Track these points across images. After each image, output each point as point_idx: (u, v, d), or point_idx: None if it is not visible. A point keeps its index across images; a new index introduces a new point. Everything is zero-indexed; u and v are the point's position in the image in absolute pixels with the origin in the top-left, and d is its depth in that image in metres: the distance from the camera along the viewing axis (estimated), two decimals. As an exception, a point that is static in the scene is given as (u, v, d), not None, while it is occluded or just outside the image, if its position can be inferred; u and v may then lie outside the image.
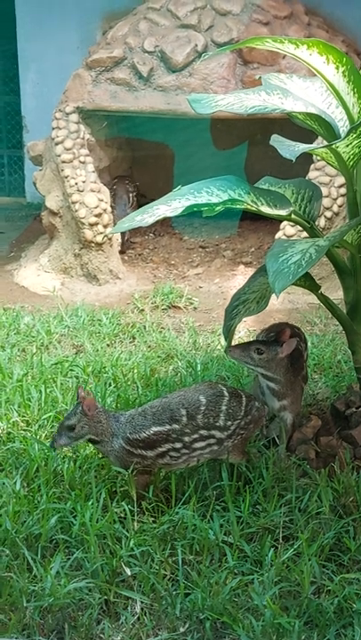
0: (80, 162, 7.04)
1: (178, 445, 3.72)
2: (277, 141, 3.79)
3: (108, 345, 5.82)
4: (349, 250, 3.97)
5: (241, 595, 3.23)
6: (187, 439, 3.72)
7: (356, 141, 3.42)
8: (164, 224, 8.19)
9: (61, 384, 4.90)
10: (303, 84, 4.02)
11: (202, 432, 3.73)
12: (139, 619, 3.18)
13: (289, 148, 3.55)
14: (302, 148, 3.47)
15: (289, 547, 3.45)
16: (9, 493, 3.72)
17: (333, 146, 3.45)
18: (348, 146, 3.46)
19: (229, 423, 3.77)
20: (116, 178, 7.85)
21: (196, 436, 3.73)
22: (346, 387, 4.65)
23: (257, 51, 6.54)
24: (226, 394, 3.82)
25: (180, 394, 3.90)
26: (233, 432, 3.79)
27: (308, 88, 3.98)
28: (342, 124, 3.82)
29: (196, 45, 6.74)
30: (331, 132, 3.71)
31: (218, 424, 3.75)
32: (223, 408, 3.77)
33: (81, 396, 3.73)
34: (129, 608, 3.23)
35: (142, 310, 6.49)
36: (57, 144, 7.07)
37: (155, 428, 3.72)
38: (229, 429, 3.77)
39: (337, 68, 3.52)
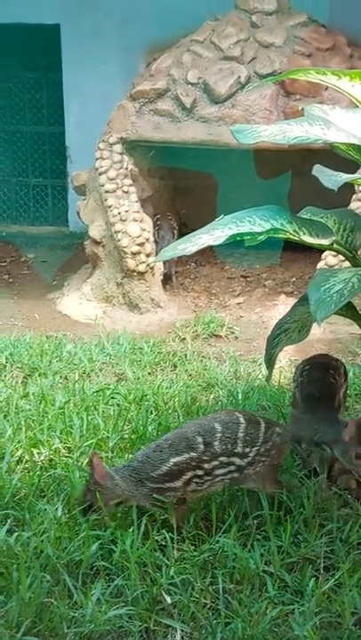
0: (123, 192, 7.13)
1: (200, 472, 3.71)
2: (320, 171, 3.81)
3: (149, 373, 5.85)
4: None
5: (281, 625, 3.20)
6: (207, 466, 3.70)
7: None
8: (206, 253, 8.23)
9: (103, 411, 4.93)
10: (345, 115, 4.03)
11: (221, 459, 3.72)
12: (179, 647, 3.17)
13: (331, 178, 3.57)
14: (345, 177, 3.48)
15: (330, 577, 3.41)
16: (50, 519, 3.73)
17: (376, 176, 3.46)
18: (389, 176, 3.47)
19: (248, 450, 3.75)
20: (159, 214, 7.91)
21: (216, 462, 3.71)
22: (387, 416, 4.62)
23: (299, 82, 6.60)
24: (242, 421, 3.80)
25: (195, 423, 3.91)
26: (253, 459, 3.76)
27: (350, 119, 4.00)
28: (384, 155, 3.84)
29: (239, 77, 6.82)
30: (373, 163, 3.73)
31: (236, 451, 3.74)
32: (240, 435, 3.76)
33: (95, 463, 3.68)
34: (169, 636, 3.21)
35: (183, 339, 6.52)
36: (100, 174, 7.18)
37: (174, 459, 3.71)
38: (248, 456, 3.75)
39: (379, 99, 3.55)
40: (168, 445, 3.76)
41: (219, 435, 3.73)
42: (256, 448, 3.77)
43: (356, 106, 3.76)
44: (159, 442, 3.85)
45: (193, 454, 3.70)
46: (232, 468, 3.75)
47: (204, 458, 3.70)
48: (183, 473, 3.70)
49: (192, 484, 3.72)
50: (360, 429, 3.91)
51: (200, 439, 3.73)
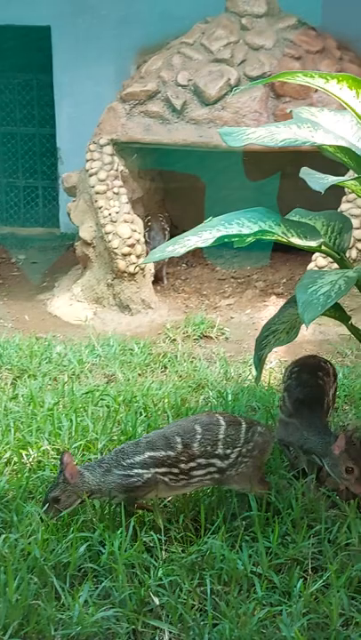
0: (114, 193, 7.14)
1: (175, 470, 3.72)
2: (307, 174, 3.83)
3: (139, 374, 5.85)
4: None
5: (269, 626, 3.21)
6: (183, 466, 3.71)
7: (385, 174, 3.45)
8: (196, 255, 8.25)
9: (92, 413, 4.93)
10: (334, 118, 4.05)
11: (200, 461, 3.72)
12: (167, 648, 3.17)
13: (318, 181, 3.59)
14: (331, 180, 3.50)
15: (318, 578, 3.42)
16: (38, 521, 3.73)
17: (363, 178, 3.48)
18: (377, 178, 3.49)
19: (229, 451, 3.76)
20: (150, 215, 7.91)
21: (193, 464, 3.72)
22: (377, 418, 4.63)
23: (289, 85, 6.62)
24: (222, 422, 3.80)
25: (176, 423, 3.93)
26: (235, 460, 3.77)
27: (338, 121, 4.02)
28: (372, 157, 3.85)
29: (229, 79, 6.83)
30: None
31: (217, 452, 3.74)
32: (220, 437, 3.76)
33: (65, 461, 3.70)
34: (157, 638, 3.21)
35: (174, 340, 6.53)
36: (91, 175, 7.18)
37: (149, 453, 3.73)
38: (230, 457, 3.76)
39: (367, 101, 3.56)
40: (146, 442, 3.78)
41: (198, 437, 3.74)
42: (238, 449, 3.77)
43: (345, 108, 3.76)
44: (138, 439, 3.88)
45: (170, 453, 3.71)
46: (212, 469, 3.75)
47: (182, 458, 3.71)
48: (156, 466, 3.71)
49: (166, 478, 3.72)
50: (351, 443, 3.92)
51: (179, 439, 3.73)
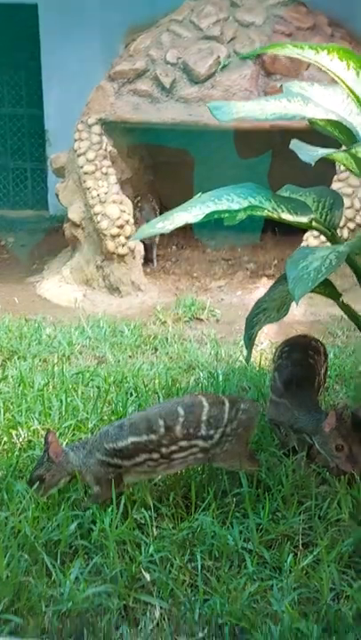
0: (102, 173, 7.09)
1: (155, 456, 3.70)
2: (297, 146, 3.80)
3: (129, 356, 5.84)
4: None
5: (260, 600, 3.20)
6: (164, 450, 3.69)
7: (375, 146, 3.42)
8: (187, 236, 8.22)
9: (82, 393, 4.91)
10: (324, 92, 4.01)
11: (182, 444, 3.70)
12: (158, 624, 3.15)
13: (309, 153, 3.55)
14: (322, 152, 3.46)
15: (308, 553, 3.42)
16: (28, 500, 3.72)
17: (353, 150, 3.44)
18: (367, 151, 3.46)
19: (212, 432, 3.74)
20: (140, 196, 7.86)
21: (174, 447, 3.70)
22: (367, 396, 4.63)
23: (279, 62, 6.58)
24: (205, 404, 3.78)
25: (159, 406, 3.91)
26: (219, 440, 3.75)
27: (329, 95, 3.98)
28: (363, 132, 3.82)
29: (219, 57, 6.78)
30: (351, 139, 3.70)
31: (200, 434, 3.72)
32: (203, 418, 3.74)
33: (50, 440, 3.70)
34: (148, 613, 3.20)
35: (164, 322, 6.51)
36: (79, 156, 7.13)
37: (132, 439, 3.70)
38: (213, 438, 3.73)
39: (357, 73, 3.53)
40: (129, 425, 3.76)
41: (181, 419, 3.72)
42: (221, 429, 3.75)
43: (335, 82, 3.73)
44: (122, 421, 3.86)
45: (152, 437, 3.69)
46: (195, 450, 3.73)
47: (163, 442, 3.69)
48: (137, 455, 3.69)
49: (144, 465, 3.71)
50: (341, 420, 3.91)
51: (161, 422, 3.71)
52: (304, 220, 3.81)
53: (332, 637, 3.02)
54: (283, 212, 3.75)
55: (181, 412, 3.73)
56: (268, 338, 6.01)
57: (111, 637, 3.10)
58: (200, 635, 3.08)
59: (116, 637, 3.11)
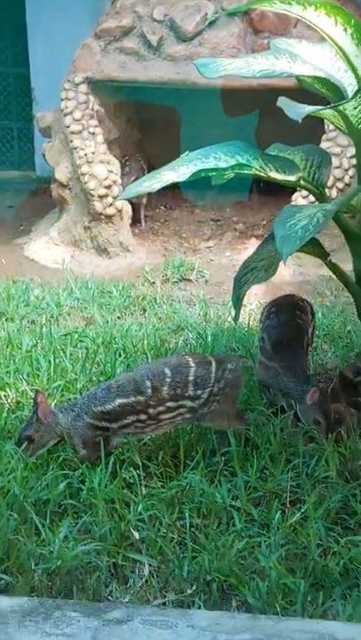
0: (89, 133, 7.00)
1: (143, 417, 3.71)
2: (285, 103, 3.76)
3: (118, 317, 5.83)
4: (357, 214, 3.95)
5: (248, 557, 3.24)
6: (152, 411, 3.71)
7: (364, 103, 3.39)
8: (176, 197, 8.16)
9: (71, 354, 4.91)
10: (312, 49, 3.97)
11: (169, 404, 3.72)
12: (147, 581, 3.19)
13: (296, 110, 3.52)
14: (309, 109, 3.43)
15: (296, 510, 3.45)
16: (17, 460, 3.73)
17: (341, 108, 3.41)
18: (355, 108, 3.43)
19: (200, 392, 3.75)
20: (128, 156, 7.78)
21: (162, 408, 3.71)
22: (355, 355, 4.64)
23: (267, 19, 6.50)
24: (192, 364, 3.78)
25: (146, 367, 3.91)
26: (207, 400, 3.76)
27: (316, 52, 3.93)
28: (351, 89, 3.78)
29: (206, 14, 6.68)
30: (339, 96, 3.66)
31: (187, 394, 3.73)
32: (190, 379, 3.75)
33: (39, 400, 3.71)
34: (137, 571, 3.24)
35: (153, 283, 6.49)
36: (66, 115, 7.03)
37: (120, 400, 3.71)
38: (201, 398, 3.75)
39: (345, 30, 3.49)
40: (117, 387, 3.76)
41: (168, 380, 3.72)
42: (208, 389, 3.76)
43: (323, 38, 3.68)
44: (110, 382, 3.86)
45: (140, 398, 3.70)
46: (182, 410, 3.75)
47: (151, 403, 3.70)
48: (124, 417, 3.70)
49: (131, 427, 3.73)
50: (323, 396, 3.97)
51: (148, 383, 3.72)
52: (292, 178, 3.79)
53: (320, 592, 3.06)
54: (270, 170, 3.73)
55: (168, 372, 3.74)
56: (257, 299, 6.00)
57: (100, 594, 3.14)
58: (188, 591, 3.11)
59: (105, 594, 3.15)
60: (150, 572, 3.23)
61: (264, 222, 7.70)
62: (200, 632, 2.78)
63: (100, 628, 2.82)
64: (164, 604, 3.06)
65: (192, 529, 3.38)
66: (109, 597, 3.13)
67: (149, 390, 3.70)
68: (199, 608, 3.02)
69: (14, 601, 2.97)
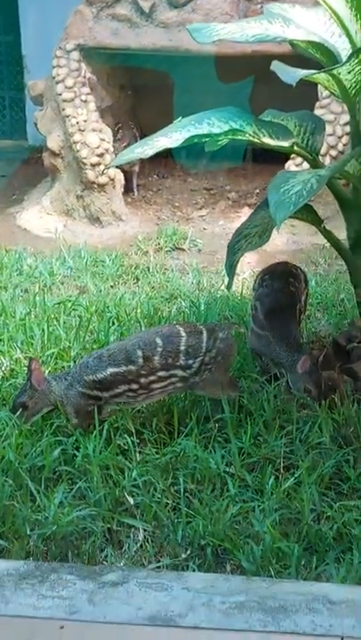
0: (81, 100, 6.95)
1: (135, 386, 3.72)
2: (278, 67, 3.73)
3: (111, 286, 5.82)
4: (351, 181, 3.94)
5: (242, 522, 3.26)
6: (143, 380, 3.71)
7: (357, 68, 3.36)
8: (168, 166, 8.13)
9: (64, 322, 4.91)
10: (306, 13, 3.94)
11: (160, 374, 3.72)
12: (141, 546, 3.22)
13: (290, 74, 3.49)
14: (303, 73, 3.41)
15: (290, 476, 3.48)
16: (11, 426, 3.74)
17: (335, 72, 3.39)
18: (349, 72, 3.40)
19: (191, 361, 3.75)
20: (121, 124, 7.72)
21: (153, 377, 3.72)
22: (348, 323, 4.65)
23: (261, -15, 6.43)
24: (183, 334, 3.79)
25: (137, 336, 3.91)
26: (198, 369, 3.77)
27: (310, 17, 3.90)
28: (345, 54, 3.75)
29: (199, -22, 6.61)
30: (333, 61, 3.64)
31: (178, 364, 3.73)
32: (182, 348, 3.75)
33: (33, 367, 3.72)
34: (132, 536, 3.27)
35: (146, 252, 6.47)
36: (57, 82, 6.97)
37: (111, 369, 3.72)
38: (192, 367, 3.75)
39: (340, -7, 3.45)
40: (108, 355, 3.76)
41: (159, 349, 3.72)
42: (200, 358, 3.76)
43: (317, 3, 3.65)
44: (101, 351, 3.86)
45: (131, 367, 3.70)
46: (174, 379, 3.75)
47: (142, 372, 3.70)
48: (116, 386, 3.71)
49: (123, 396, 3.74)
50: (315, 364, 3.99)
51: (140, 352, 3.72)
52: (285, 144, 3.77)
53: (313, 557, 3.09)
54: (264, 136, 3.71)
55: (160, 342, 3.74)
56: (250, 267, 6.00)
57: (96, 559, 3.16)
58: (183, 555, 3.14)
59: (100, 559, 3.17)
60: (145, 536, 3.25)
61: (257, 191, 7.67)
62: (195, 594, 2.82)
63: (95, 590, 2.86)
64: (158, 567, 3.09)
65: (186, 494, 3.41)
66: (104, 562, 3.16)
67: (141, 360, 3.71)
68: (194, 572, 3.05)
69: (10, 564, 3.01)
